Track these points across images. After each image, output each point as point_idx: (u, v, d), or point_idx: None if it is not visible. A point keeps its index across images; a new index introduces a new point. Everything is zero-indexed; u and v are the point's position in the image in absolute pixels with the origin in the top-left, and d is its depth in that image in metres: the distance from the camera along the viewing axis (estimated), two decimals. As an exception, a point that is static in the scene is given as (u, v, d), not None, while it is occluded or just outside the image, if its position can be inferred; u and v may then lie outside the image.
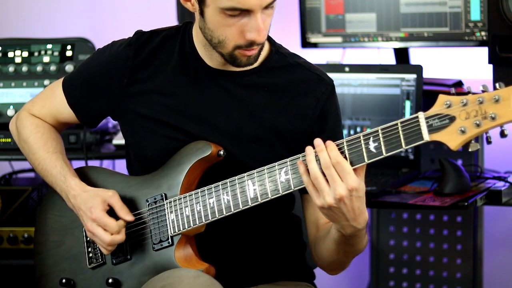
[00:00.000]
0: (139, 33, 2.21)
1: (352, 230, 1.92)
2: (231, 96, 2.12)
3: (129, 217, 2.10)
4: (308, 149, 1.89)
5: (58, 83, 2.30)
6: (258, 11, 1.97)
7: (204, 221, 2.04)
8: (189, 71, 2.15)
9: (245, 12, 1.97)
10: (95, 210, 2.09)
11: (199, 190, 2.05)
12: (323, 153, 1.86)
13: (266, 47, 2.15)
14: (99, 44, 2.32)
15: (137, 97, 2.17)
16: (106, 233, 2.08)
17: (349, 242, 1.98)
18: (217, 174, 2.06)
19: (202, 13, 2.03)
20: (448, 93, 1.77)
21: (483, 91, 1.71)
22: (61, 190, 2.20)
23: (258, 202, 1.98)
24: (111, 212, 2.10)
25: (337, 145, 1.88)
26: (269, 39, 2.17)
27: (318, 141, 1.88)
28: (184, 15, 3.17)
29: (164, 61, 2.17)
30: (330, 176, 1.85)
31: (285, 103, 2.13)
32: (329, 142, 1.87)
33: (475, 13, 2.97)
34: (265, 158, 2.05)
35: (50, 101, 2.31)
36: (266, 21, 2.00)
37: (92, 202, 2.11)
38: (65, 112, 2.29)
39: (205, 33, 2.05)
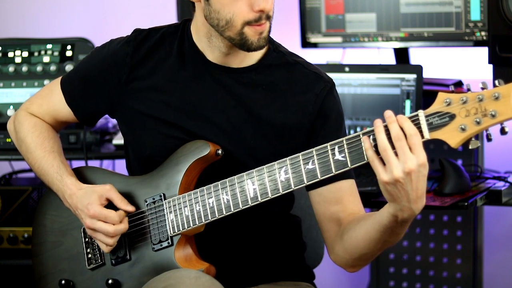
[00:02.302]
0: (137, 31, 2.21)
1: (409, 214, 1.84)
2: (229, 93, 2.12)
3: (130, 207, 2.09)
4: (377, 121, 1.81)
5: (56, 82, 2.30)
6: None
7: (203, 221, 2.04)
8: (188, 68, 2.15)
9: None
10: (92, 206, 2.09)
11: (198, 190, 2.05)
12: (394, 124, 1.79)
13: (265, 45, 2.16)
14: (99, 44, 2.32)
15: (135, 95, 2.17)
16: (108, 224, 2.07)
17: (397, 231, 1.90)
18: (216, 173, 2.06)
19: None
20: (448, 92, 1.77)
21: (482, 89, 1.71)
22: (58, 190, 2.20)
23: (258, 202, 1.98)
24: (109, 207, 2.10)
25: (337, 143, 1.87)
26: (268, 38, 2.17)
27: (389, 113, 1.80)
28: (184, 15, 3.18)
29: (162, 59, 2.17)
30: (401, 148, 1.77)
31: (284, 100, 2.12)
32: (400, 115, 1.79)
33: (475, 13, 2.97)
34: (263, 155, 2.05)
35: (48, 100, 2.31)
36: None
37: (89, 199, 2.10)
38: (64, 111, 2.28)
39: (211, 19, 2.04)
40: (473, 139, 1.73)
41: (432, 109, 1.76)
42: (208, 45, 2.12)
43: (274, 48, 2.17)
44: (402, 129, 1.78)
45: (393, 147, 1.78)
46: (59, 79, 2.31)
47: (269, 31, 2.06)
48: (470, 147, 1.74)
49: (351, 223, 2.02)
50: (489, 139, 1.73)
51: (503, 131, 1.71)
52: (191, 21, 2.17)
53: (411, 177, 1.77)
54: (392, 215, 1.86)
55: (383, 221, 1.89)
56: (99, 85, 2.21)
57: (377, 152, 1.81)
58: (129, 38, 2.20)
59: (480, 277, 3.27)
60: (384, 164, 1.80)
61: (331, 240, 2.08)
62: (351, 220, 2.03)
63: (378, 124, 1.80)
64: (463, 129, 1.72)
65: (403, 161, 1.76)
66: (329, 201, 2.06)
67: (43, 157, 2.24)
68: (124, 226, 2.08)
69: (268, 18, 2.03)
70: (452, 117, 1.74)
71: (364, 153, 1.83)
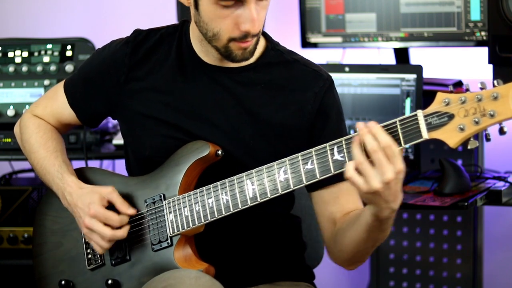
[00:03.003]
0: (137, 32, 2.21)
1: (389, 212, 1.86)
2: (228, 93, 2.12)
3: (131, 210, 2.09)
4: (360, 127, 1.81)
5: (61, 84, 2.32)
6: (252, 2, 1.96)
7: (203, 221, 2.04)
8: (186, 69, 2.15)
9: (239, 2, 1.97)
10: (93, 206, 2.08)
11: (198, 190, 2.05)
12: (367, 136, 1.79)
13: (262, 43, 2.15)
14: (99, 44, 2.32)
15: (134, 95, 2.17)
16: (107, 227, 2.07)
17: (381, 227, 1.92)
18: (216, 173, 2.06)
19: (196, 6, 2.02)
20: (447, 92, 1.77)
21: (481, 89, 1.71)
22: (58, 188, 2.19)
23: (258, 202, 1.98)
24: (110, 210, 2.10)
25: (336, 143, 1.87)
26: (266, 36, 2.17)
27: (360, 125, 1.81)
28: (184, 15, 3.18)
29: (161, 59, 2.17)
30: (378, 160, 1.78)
31: (282, 99, 2.12)
32: (373, 125, 1.80)
33: (475, 13, 2.97)
34: (263, 155, 2.05)
35: (52, 102, 2.31)
36: (260, 13, 2.00)
37: (91, 198, 2.10)
38: (67, 113, 2.29)
39: (200, 27, 2.05)
40: (472, 139, 1.73)
41: (431, 109, 1.76)
42: (201, 48, 2.13)
43: (272, 47, 2.17)
44: (377, 140, 1.78)
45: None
46: (64, 81, 2.32)
47: (256, 45, 2.07)
48: (468, 147, 1.74)
49: (342, 224, 2.04)
50: (488, 139, 1.73)
51: (502, 131, 1.71)
52: (189, 22, 2.17)
53: (390, 185, 1.79)
54: (373, 215, 1.89)
55: (367, 221, 1.91)
56: (98, 86, 2.21)
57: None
58: (128, 39, 2.20)
59: (480, 277, 3.27)
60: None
61: (328, 239, 2.11)
62: (343, 221, 2.05)
63: (355, 139, 1.81)
64: (461, 129, 1.72)
65: (381, 173, 1.78)
66: (328, 202, 2.07)
67: (46, 156, 2.24)
68: (122, 232, 2.08)
69: (254, 36, 2.03)
70: (451, 117, 1.74)
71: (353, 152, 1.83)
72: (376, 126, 1.79)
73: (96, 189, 2.13)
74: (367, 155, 1.80)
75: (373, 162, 1.79)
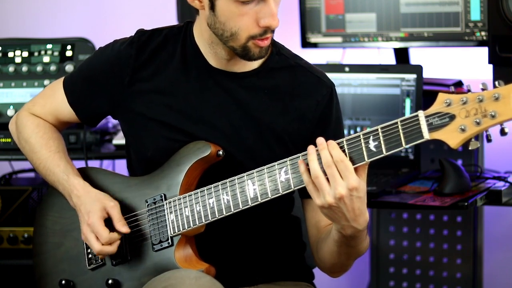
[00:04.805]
0: (140, 32, 2.21)
1: (352, 231, 1.91)
2: (231, 97, 2.12)
3: (125, 229, 2.10)
4: (310, 148, 1.88)
5: (59, 82, 2.30)
6: None
7: (204, 221, 2.04)
8: (191, 71, 2.15)
9: None
10: (92, 216, 2.09)
11: (198, 190, 2.05)
12: (324, 151, 1.85)
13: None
14: (99, 44, 2.32)
15: (138, 96, 2.17)
16: (97, 242, 2.08)
17: (350, 244, 1.97)
18: (217, 174, 2.06)
19: (212, 7, 2.02)
20: (448, 92, 1.77)
21: (482, 89, 1.71)
22: (64, 189, 2.20)
23: (258, 202, 1.98)
24: (109, 221, 2.11)
25: (338, 143, 1.88)
26: (271, 40, 2.17)
27: (320, 140, 1.87)
28: (184, 15, 3.18)
29: (165, 61, 2.17)
30: (331, 175, 1.84)
31: (285, 105, 2.12)
32: (330, 141, 1.86)
33: (475, 13, 2.97)
34: (264, 160, 2.05)
35: (51, 100, 2.31)
36: (277, 8, 2.01)
37: (91, 207, 2.11)
38: (66, 111, 2.29)
39: (216, 28, 2.05)
40: (473, 140, 1.73)
41: (432, 109, 1.76)
42: (209, 50, 2.13)
43: (276, 51, 2.17)
44: (331, 155, 1.84)
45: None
46: (62, 79, 2.31)
47: (270, 42, 2.07)
48: (470, 148, 1.74)
49: (321, 234, 2.10)
50: (489, 140, 1.73)
51: (503, 132, 1.71)
52: (193, 23, 2.17)
53: (343, 201, 1.84)
54: (338, 232, 1.94)
55: (335, 237, 1.98)
56: (101, 86, 2.21)
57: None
58: (132, 39, 2.20)
59: (480, 277, 3.27)
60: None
61: (312, 246, 2.16)
62: (323, 231, 2.11)
63: (311, 152, 1.88)
64: (463, 130, 1.72)
65: (334, 188, 1.84)
66: (316, 210, 2.07)
67: (49, 157, 2.24)
68: (111, 249, 2.09)
69: (273, 31, 2.04)
70: (452, 117, 1.74)
71: (364, 153, 1.85)
72: (332, 142, 1.86)
73: (101, 198, 2.13)
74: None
75: (328, 177, 1.84)
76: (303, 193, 2.09)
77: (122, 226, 2.09)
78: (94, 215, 2.09)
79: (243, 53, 2.05)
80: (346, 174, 1.83)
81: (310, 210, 2.14)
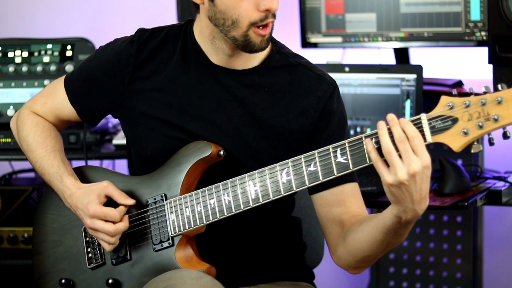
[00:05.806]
0: (141, 31, 2.21)
1: (413, 215, 1.84)
2: (232, 95, 2.12)
3: (130, 201, 2.09)
4: (381, 123, 1.81)
5: (60, 81, 2.30)
6: None
7: (204, 221, 2.04)
8: (191, 69, 2.15)
9: None
10: (91, 205, 2.08)
11: (199, 190, 2.05)
12: (397, 127, 1.79)
13: (268, 46, 2.15)
14: (99, 44, 2.32)
15: (139, 95, 2.17)
16: (108, 223, 2.07)
17: (399, 232, 1.90)
18: (217, 174, 2.06)
19: None
20: (449, 94, 1.76)
21: (485, 93, 1.71)
22: (58, 190, 2.20)
23: (260, 203, 1.98)
24: (109, 204, 2.10)
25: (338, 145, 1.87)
26: (271, 38, 2.17)
27: (391, 116, 1.80)
28: (184, 14, 3.18)
29: (166, 59, 2.17)
30: (405, 150, 1.77)
31: (286, 103, 2.12)
32: (402, 118, 1.80)
33: (475, 13, 2.97)
34: (265, 158, 2.05)
35: (52, 99, 2.31)
36: None
37: (88, 198, 2.10)
38: (66, 110, 2.29)
39: (217, 19, 2.05)
40: (475, 143, 1.73)
41: (435, 112, 1.76)
42: (211, 47, 2.12)
43: (277, 50, 2.17)
44: (404, 131, 1.78)
45: (396, 149, 1.78)
46: (63, 78, 2.31)
47: (271, 32, 2.07)
48: (472, 151, 1.74)
49: (353, 225, 2.02)
50: (491, 143, 1.72)
51: (505, 136, 1.71)
52: (193, 21, 2.17)
53: (415, 179, 1.77)
54: (396, 216, 1.86)
55: (387, 223, 1.89)
56: (102, 85, 2.21)
57: (380, 154, 1.81)
58: (133, 38, 2.20)
59: (480, 277, 3.28)
60: (388, 166, 1.80)
61: (333, 242, 2.08)
62: (354, 222, 2.03)
63: (382, 127, 1.80)
64: (465, 133, 1.72)
65: (408, 163, 1.76)
66: (332, 204, 2.07)
67: (44, 156, 2.24)
68: (124, 224, 2.08)
69: (274, 16, 2.03)
70: (454, 120, 1.74)
71: (366, 156, 1.83)
72: (405, 119, 1.79)
73: (92, 187, 2.12)
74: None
75: (401, 153, 1.78)
76: (312, 189, 2.07)
77: (125, 200, 2.09)
78: (93, 204, 2.08)
79: (244, 43, 2.04)
80: (421, 150, 1.77)
81: (325, 205, 2.09)
